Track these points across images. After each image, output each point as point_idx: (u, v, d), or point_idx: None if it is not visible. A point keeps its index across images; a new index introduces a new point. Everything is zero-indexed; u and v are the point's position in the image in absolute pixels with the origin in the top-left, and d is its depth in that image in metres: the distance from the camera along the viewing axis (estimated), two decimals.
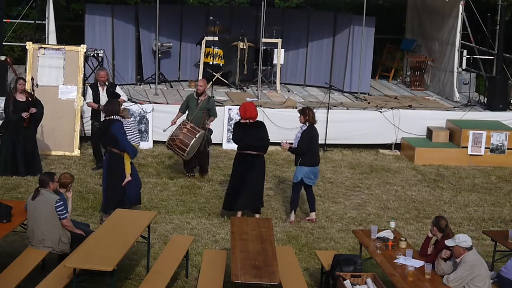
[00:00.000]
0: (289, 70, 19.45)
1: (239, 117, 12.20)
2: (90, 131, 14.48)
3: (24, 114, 13.24)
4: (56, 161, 14.34)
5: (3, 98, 15.31)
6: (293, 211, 12.13)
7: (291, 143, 11.98)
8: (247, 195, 11.84)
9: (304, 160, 11.91)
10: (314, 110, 12.46)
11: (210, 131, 13.91)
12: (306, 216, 12.33)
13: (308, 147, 11.85)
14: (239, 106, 12.30)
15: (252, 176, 11.84)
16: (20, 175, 13.34)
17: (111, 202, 11.47)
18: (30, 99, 13.39)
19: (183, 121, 13.58)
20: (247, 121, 11.89)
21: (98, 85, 13.74)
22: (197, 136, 13.26)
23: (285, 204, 12.83)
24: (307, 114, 11.95)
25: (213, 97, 14.01)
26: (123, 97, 13.93)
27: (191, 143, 13.20)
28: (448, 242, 8.64)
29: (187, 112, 13.74)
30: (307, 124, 11.92)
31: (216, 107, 14.27)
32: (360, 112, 16.57)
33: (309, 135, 11.87)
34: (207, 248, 10.70)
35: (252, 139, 11.80)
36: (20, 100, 13.34)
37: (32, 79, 13.76)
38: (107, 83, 13.76)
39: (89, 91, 13.82)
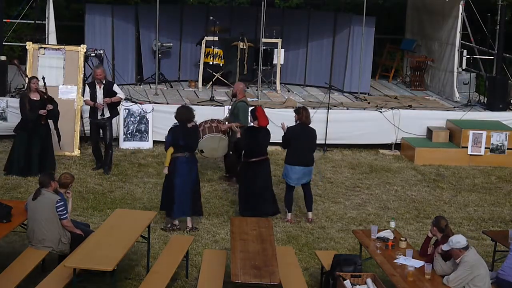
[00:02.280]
0: (289, 70, 19.44)
1: (253, 123, 11.93)
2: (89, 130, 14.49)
3: (41, 111, 13.35)
4: (56, 161, 14.33)
5: (3, 98, 15.37)
6: (287, 211, 12.14)
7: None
8: (269, 199, 11.90)
9: (286, 157, 12.00)
10: (314, 110, 12.47)
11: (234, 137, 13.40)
12: (304, 216, 12.32)
13: (288, 144, 11.86)
14: (253, 112, 11.92)
15: (269, 180, 11.89)
16: (33, 175, 13.32)
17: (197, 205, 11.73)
18: (45, 97, 13.50)
19: (219, 119, 13.69)
20: (262, 127, 11.83)
21: (96, 83, 13.76)
22: (209, 135, 13.22)
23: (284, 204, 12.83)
24: (300, 113, 12.01)
25: (239, 101, 13.35)
26: (120, 94, 13.91)
27: (202, 138, 13.20)
28: (445, 247, 8.65)
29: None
30: (297, 122, 11.96)
31: (216, 107, 14.22)
32: (360, 112, 16.57)
33: (292, 131, 11.90)
34: (207, 248, 10.70)
35: (266, 145, 11.87)
36: (35, 99, 13.46)
37: (43, 78, 13.77)
38: (104, 81, 13.76)
39: (87, 89, 13.84)
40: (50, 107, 13.46)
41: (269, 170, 12.00)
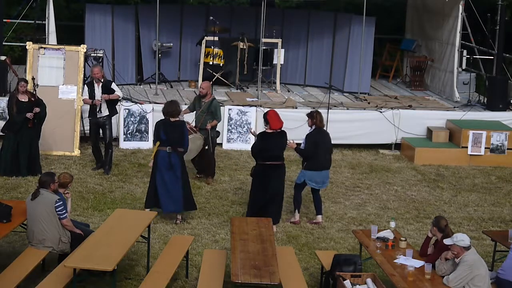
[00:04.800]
0: (289, 70, 19.45)
1: (265, 128, 11.56)
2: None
3: (28, 115, 13.31)
4: (56, 161, 14.34)
5: (3, 98, 15.37)
6: (296, 211, 12.10)
7: (298, 144, 11.88)
8: (278, 205, 11.73)
9: (308, 164, 11.82)
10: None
11: (217, 133, 13.75)
12: (311, 218, 12.27)
13: (313, 151, 11.72)
14: (265, 116, 11.60)
15: (281, 188, 11.69)
16: (21, 175, 13.36)
17: (190, 200, 11.77)
18: (32, 99, 13.47)
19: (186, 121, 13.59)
20: (274, 130, 11.51)
21: (94, 82, 13.78)
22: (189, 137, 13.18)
23: (285, 204, 12.80)
24: (314, 117, 11.82)
25: (213, 99, 13.47)
26: (118, 92, 13.93)
27: None
28: (447, 241, 8.66)
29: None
30: (313, 127, 11.86)
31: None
32: (360, 112, 16.57)
33: (313, 138, 11.75)
34: (207, 248, 10.70)
35: (279, 149, 11.55)
36: (23, 100, 13.40)
37: (33, 78, 13.78)
38: (102, 80, 13.76)
39: (85, 89, 13.86)
40: (37, 110, 13.37)
41: (283, 177, 11.68)
